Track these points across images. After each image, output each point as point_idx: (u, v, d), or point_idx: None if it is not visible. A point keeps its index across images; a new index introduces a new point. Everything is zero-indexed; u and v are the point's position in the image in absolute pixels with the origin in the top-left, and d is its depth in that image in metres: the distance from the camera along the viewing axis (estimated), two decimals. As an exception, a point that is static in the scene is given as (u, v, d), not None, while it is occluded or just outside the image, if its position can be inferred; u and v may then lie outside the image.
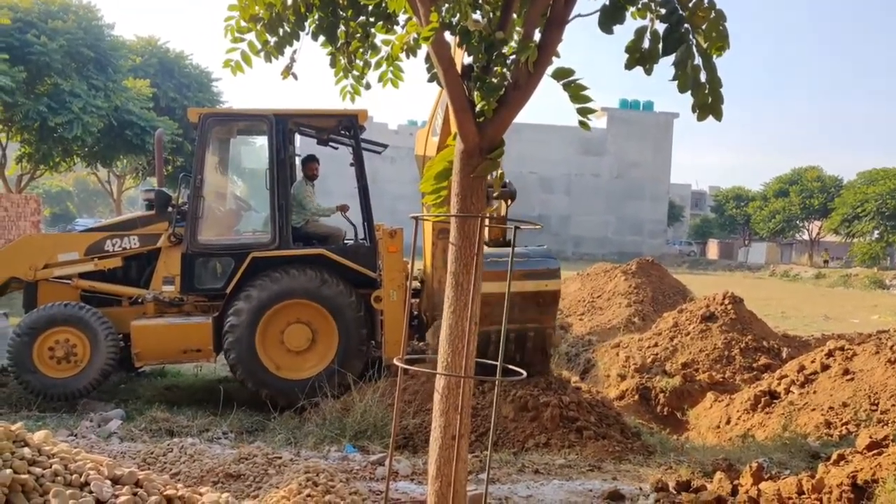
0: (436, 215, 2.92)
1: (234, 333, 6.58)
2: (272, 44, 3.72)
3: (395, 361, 2.83)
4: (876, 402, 5.76)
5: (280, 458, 4.07)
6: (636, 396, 8.33)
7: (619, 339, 10.39)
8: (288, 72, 3.92)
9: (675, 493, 3.77)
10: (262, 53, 3.72)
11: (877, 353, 6.51)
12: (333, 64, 3.85)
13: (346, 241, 7.47)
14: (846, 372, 6.39)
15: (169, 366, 7.90)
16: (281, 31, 3.71)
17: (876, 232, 37.82)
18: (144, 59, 21.12)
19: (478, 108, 2.70)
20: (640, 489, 3.85)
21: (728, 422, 6.75)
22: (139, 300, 6.95)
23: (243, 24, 3.65)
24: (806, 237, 49.79)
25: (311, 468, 3.48)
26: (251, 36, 3.67)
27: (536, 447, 4.78)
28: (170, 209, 7.10)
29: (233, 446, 4.46)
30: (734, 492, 3.70)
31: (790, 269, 40.49)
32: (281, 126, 6.87)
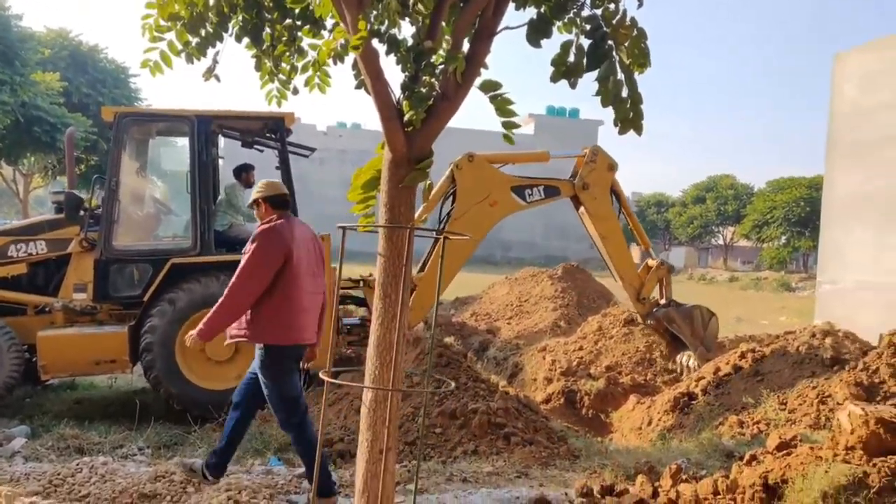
0: (364, 225, 2.88)
1: (153, 343, 6.30)
2: (194, 44, 3.58)
3: (322, 375, 2.77)
4: (784, 401, 6.08)
5: (200, 474, 3.90)
6: (562, 399, 8.50)
7: (546, 342, 10.59)
8: (210, 73, 3.78)
9: (599, 497, 3.85)
10: (183, 54, 3.58)
11: (784, 356, 6.89)
12: (259, 67, 3.74)
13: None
14: (757, 373, 6.72)
15: (80, 378, 7.48)
16: (203, 31, 3.58)
17: (783, 237, 40.19)
18: (54, 52, 20.00)
19: (406, 118, 2.68)
20: (566, 495, 3.92)
21: (650, 423, 6.98)
22: (46, 309, 6.56)
23: (162, 22, 3.50)
24: (721, 242, 52.36)
25: (232, 485, 3.35)
26: (171, 35, 3.52)
27: (465, 455, 4.79)
28: (82, 213, 6.73)
29: (149, 463, 4.25)
30: (655, 494, 3.81)
31: (707, 272, 42.44)
32: (203, 127, 6.63)
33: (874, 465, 3.19)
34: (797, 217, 38.07)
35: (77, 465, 4.12)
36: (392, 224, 2.69)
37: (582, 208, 7.15)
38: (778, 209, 39.14)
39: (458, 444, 4.92)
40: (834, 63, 13.12)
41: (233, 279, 3.84)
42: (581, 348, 9.71)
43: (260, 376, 3.87)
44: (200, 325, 3.85)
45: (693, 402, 6.95)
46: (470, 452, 4.83)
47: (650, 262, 7.40)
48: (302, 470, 4.18)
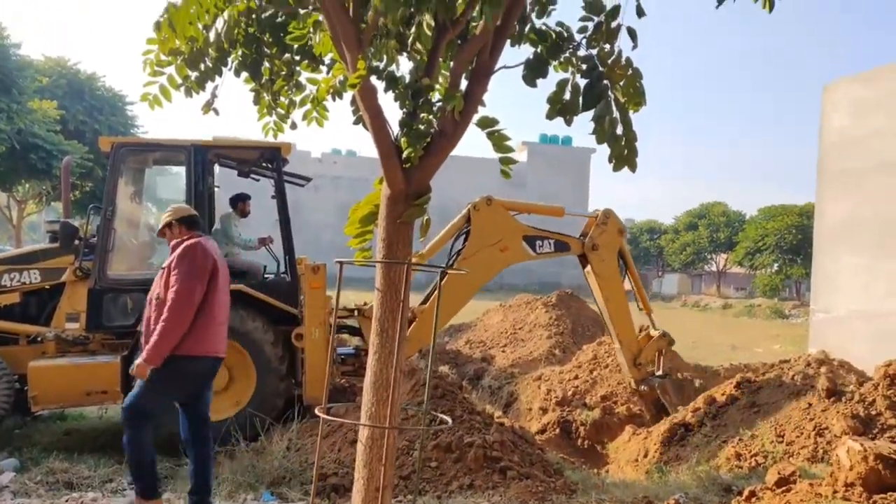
0: (361, 260, 2.88)
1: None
2: (193, 78, 3.60)
3: (318, 412, 2.74)
4: (781, 433, 6.05)
5: (191, 511, 3.83)
6: (557, 430, 8.44)
7: (541, 371, 10.53)
8: (209, 107, 3.79)
9: (597, 533, 3.80)
10: (182, 88, 3.60)
11: (780, 386, 6.86)
12: (257, 101, 3.76)
13: (266, 276, 7.27)
14: (753, 404, 6.69)
15: (70, 408, 7.37)
16: (202, 66, 3.61)
17: (776, 265, 40.36)
18: (52, 80, 20.11)
19: (404, 155, 2.69)
20: (564, 531, 3.86)
21: (646, 455, 6.91)
22: (39, 339, 6.49)
23: (163, 57, 3.53)
24: (714, 269, 52.53)
25: (225, 524, 3.29)
26: (171, 70, 3.55)
27: (461, 489, 4.73)
28: (77, 241, 6.70)
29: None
30: (653, 530, 3.78)
31: (700, 299, 42.50)
32: (200, 157, 6.65)
33: (874, 502, 3.17)
34: (789, 244, 38.27)
35: (66, 501, 4.04)
36: (390, 259, 2.69)
37: (588, 267, 7.27)
38: (770, 236, 39.35)
39: (453, 478, 4.86)
40: (823, 93, 13.33)
41: (172, 297, 3.97)
42: (576, 377, 9.66)
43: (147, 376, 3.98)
44: (147, 351, 3.93)
45: (689, 433, 6.91)
46: (466, 487, 4.77)
47: (652, 332, 7.52)
48: (295, 505, 4.13)
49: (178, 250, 4.11)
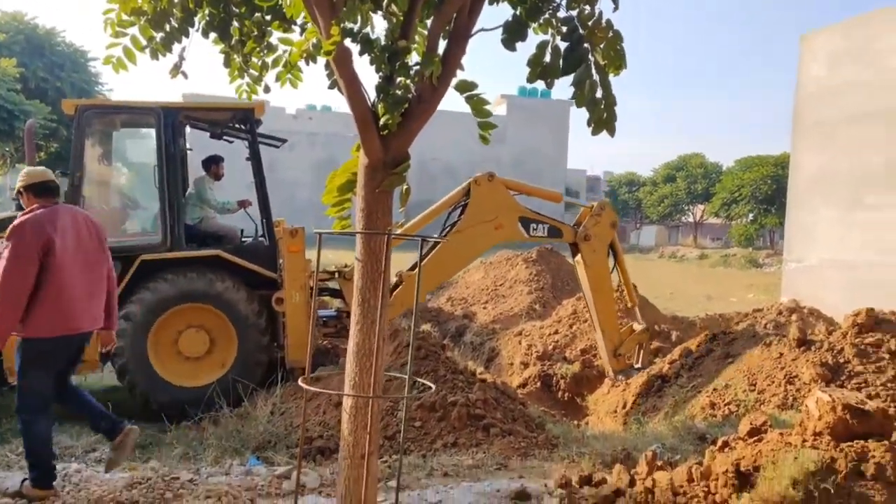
0: (340, 231, 2.86)
1: (124, 340, 6.20)
2: (158, 40, 3.48)
3: (301, 383, 2.76)
4: (754, 382, 6.24)
5: (178, 478, 3.87)
6: (538, 384, 8.62)
7: (522, 326, 10.69)
8: (177, 70, 3.69)
9: (577, 487, 3.92)
10: (147, 50, 3.48)
11: (753, 337, 7.05)
12: (228, 63, 3.66)
13: (243, 240, 7.21)
14: (727, 355, 6.88)
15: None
16: (167, 26, 3.48)
17: (751, 215, 41.00)
18: (10, 37, 19.34)
19: (382, 122, 2.65)
20: (546, 486, 3.98)
21: (624, 406, 7.11)
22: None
23: (125, 17, 3.40)
24: (691, 220, 53.18)
25: (212, 492, 3.34)
26: (134, 30, 3.42)
27: (445, 448, 4.83)
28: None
29: (124, 468, 4.20)
30: (632, 482, 3.90)
31: (677, 250, 43.11)
32: (170, 119, 6.48)
33: (841, 450, 3.30)
34: (764, 195, 38.82)
35: (50, 471, 4.05)
36: (369, 230, 2.68)
37: (579, 257, 7.33)
38: (745, 187, 39.84)
39: (437, 437, 4.96)
40: (800, 43, 13.32)
41: None
42: (556, 332, 9.83)
43: (16, 363, 3.93)
44: None
45: (666, 384, 7.10)
46: (450, 445, 4.88)
47: (636, 325, 7.65)
48: (282, 470, 4.19)
49: (9, 228, 3.85)
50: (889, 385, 5.64)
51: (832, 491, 3.12)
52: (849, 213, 12.14)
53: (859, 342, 6.13)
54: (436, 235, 6.62)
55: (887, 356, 5.92)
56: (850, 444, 3.34)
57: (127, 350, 6.22)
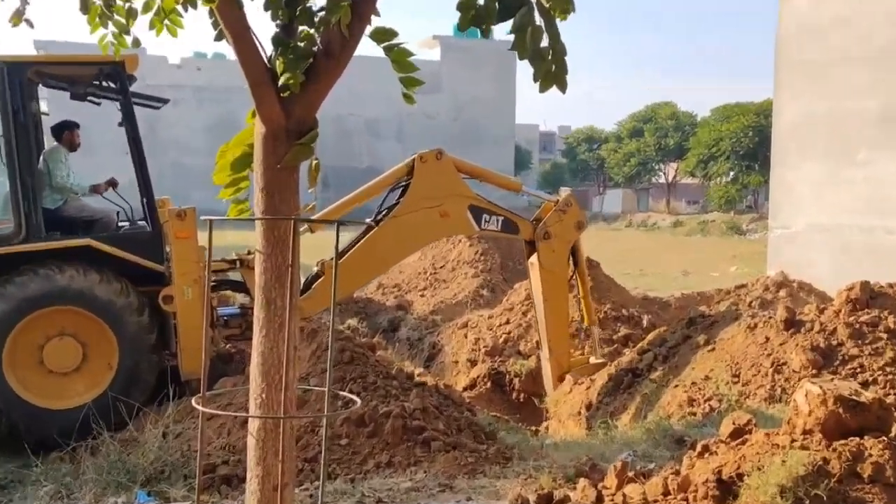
0: (236, 217, 2.79)
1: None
2: (-9, -24, 3.31)
3: (194, 403, 2.70)
4: (737, 372, 6.49)
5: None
6: (489, 384, 8.75)
7: (467, 317, 10.80)
8: (20, 17, 3.52)
9: (536, 508, 4.01)
10: (-21, -8, 3.30)
11: (736, 320, 7.31)
12: (85, 9, 3.50)
13: (119, 226, 7.00)
14: (707, 342, 7.11)
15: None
16: (3, -40, 3.31)
17: (731, 173, 42.30)
18: None
19: (281, 82, 2.59)
20: (498, 508, 4.06)
21: (589, 407, 7.28)
22: None
23: (-54, -51, 3.21)
24: (663, 181, 54.50)
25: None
26: (-39, -33, 3.24)
27: (378, 469, 4.86)
28: None
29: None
30: (599, 498, 4.01)
31: (648, 217, 44.24)
32: (17, 77, 6.21)
33: (834, 449, 3.47)
34: (745, 149, 40.08)
35: None
36: (271, 215, 2.62)
37: (534, 257, 7.34)
38: (724, 140, 41.04)
39: (368, 456, 4.98)
40: (782, -24, 13.72)
41: None
42: (508, 322, 9.96)
43: None
44: None
45: (637, 378, 7.30)
46: (384, 465, 4.90)
47: (592, 359, 7.83)
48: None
49: None
50: (887, 369, 5.94)
51: (825, 497, 3.27)
52: (836, 168, 12.65)
53: (853, 321, 6.42)
54: (368, 220, 6.57)
55: (885, 336, 6.23)
56: (843, 442, 3.51)
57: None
